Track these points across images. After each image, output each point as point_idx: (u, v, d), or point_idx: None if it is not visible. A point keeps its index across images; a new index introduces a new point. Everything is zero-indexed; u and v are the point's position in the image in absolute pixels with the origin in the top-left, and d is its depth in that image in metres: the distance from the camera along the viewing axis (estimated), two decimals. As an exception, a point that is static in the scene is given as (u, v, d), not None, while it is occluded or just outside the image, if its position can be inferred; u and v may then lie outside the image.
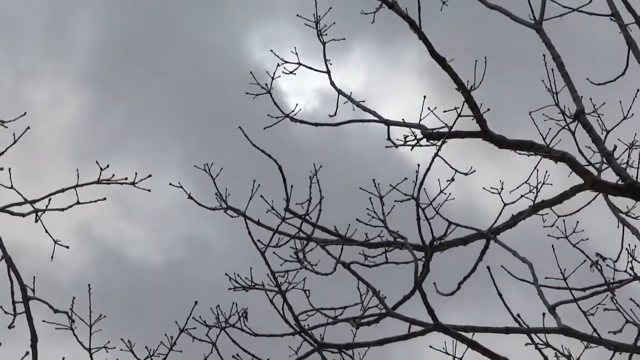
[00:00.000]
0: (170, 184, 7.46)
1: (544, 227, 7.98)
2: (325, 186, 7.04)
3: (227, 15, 13.81)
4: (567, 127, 7.66)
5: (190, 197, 7.47)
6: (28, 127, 6.52)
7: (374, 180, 7.05)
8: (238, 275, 7.05)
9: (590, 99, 7.94)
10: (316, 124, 8.15)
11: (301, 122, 8.11)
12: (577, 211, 7.99)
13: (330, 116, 8.11)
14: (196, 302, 6.67)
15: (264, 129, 8.02)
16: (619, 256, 7.73)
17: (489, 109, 7.39)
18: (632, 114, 7.99)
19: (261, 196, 6.98)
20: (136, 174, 6.68)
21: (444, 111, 7.36)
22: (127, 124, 13.89)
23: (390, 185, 7.03)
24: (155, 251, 11.93)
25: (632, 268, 7.28)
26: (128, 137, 13.65)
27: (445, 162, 7.13)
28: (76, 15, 14.36)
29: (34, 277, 6.49)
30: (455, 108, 7.11)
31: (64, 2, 14.03)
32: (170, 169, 12.17)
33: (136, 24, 14.23)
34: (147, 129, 13.93)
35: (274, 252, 7.04)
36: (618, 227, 8.00)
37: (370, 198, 7.04)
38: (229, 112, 11.97)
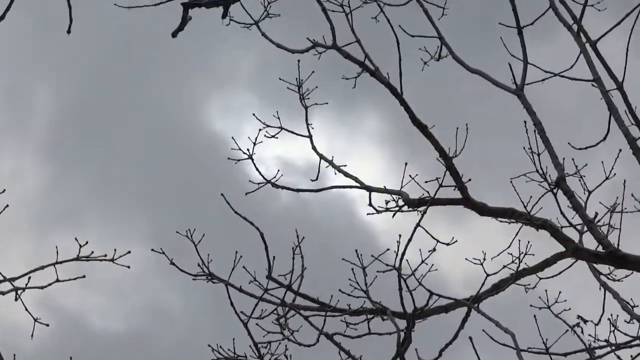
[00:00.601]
0: (152, 249, 7.48)
1: (529, 288, 7.98)
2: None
3: (186, 84, 13.88)
4: (551, 191, 7.66)
5: (172, 264, 7.48)
6: (7, 205, 6.52)
7: (356, 250, 7.07)
8: (221, 346, 7.05)
9: (573, 159, 7.96)
10: (298, 190, 8.15)
11: (283, 188, 8.10)
12: (560, 273, 7.99)
13: (312, 180, 8.10)
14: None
15: (246, 194, 8.01)
16: (600, 319, 7.75)
17: (470, 179, 7.40)
18: (615, 174, 7.99)
19: (243, 267, 7.00)
20: (115, 250, 6.70)
21: (426, 181, 7.39)
22: (88, 195, 13.96)
23: (372, 256, 7.04)
24: (121, 321, 11.90)
25: (607, 339, 7.27)
26: (90, 207, 13.71)
27: (427, 232, 7.15)
28: (35, 85, 14.42)
29: (14, 355, 6.47)
30: (437, 178, 7.16)
31: (22, 72, 14.06)
32: (131, 238, 12.20)
33: (93, 94, 14.29)
34: (108, 200, 14.00)
35: (257, 324, 7.04)
36: (600, 289, 8.02)
37: (352, 269, 7.06)
38: (190, 180, 12.03)
